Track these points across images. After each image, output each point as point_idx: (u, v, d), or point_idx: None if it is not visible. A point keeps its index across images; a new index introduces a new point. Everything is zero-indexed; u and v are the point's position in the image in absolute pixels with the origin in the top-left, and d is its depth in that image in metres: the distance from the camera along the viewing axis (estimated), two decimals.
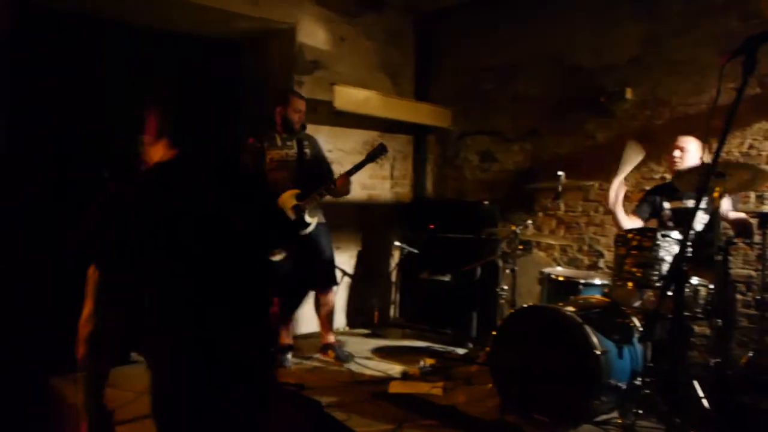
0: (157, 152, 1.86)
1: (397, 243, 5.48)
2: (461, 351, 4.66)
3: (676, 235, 3.14)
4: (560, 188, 3.96)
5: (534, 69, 5.33)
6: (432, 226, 5.29)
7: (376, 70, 5.77)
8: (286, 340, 4.32)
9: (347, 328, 5.50)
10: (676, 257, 2.51)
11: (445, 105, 5.95)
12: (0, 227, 3.84)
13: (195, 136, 6.75)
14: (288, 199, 4.06)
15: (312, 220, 4.09)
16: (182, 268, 1.79)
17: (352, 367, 4.18)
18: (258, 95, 5.45)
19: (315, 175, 4.16)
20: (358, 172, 4.11)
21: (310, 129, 4.52)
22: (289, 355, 4.30)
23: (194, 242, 1.78)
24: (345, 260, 5.54)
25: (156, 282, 1.78)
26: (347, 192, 4.19)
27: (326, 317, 4.35)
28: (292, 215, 4.03)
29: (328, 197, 4.15)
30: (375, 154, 4.06)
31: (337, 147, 5.36)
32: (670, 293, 2.34)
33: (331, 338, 4.36)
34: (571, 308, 3.24)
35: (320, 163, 4.31)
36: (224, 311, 1.84)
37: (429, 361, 4.17)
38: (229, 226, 1.85)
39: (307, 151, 4.21)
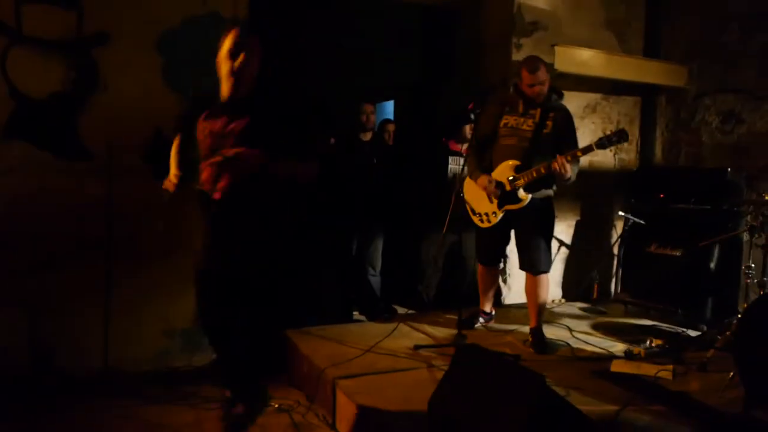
0: None
1: (620, 213, 5.12)
2: (693, 333, 4.25)
3: None
4: None
5: None
6: (662, 196, 4.85)
7: (601, 28, 5.38)
8: (484, 306, 4.36)
9: (563, 301, 5.31)
10: None
11: (680, 62, 5.37)
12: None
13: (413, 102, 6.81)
14: (505, 169, 3.87)
15: (525, 197, 3.83)
16: None
17: (571, 342, 4.02)
18: (475, 60, 5.39)
19: (553, 150, 3.77)
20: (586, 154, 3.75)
21: None
22: (480, 320, 4.33)
23: None
24: (563, 230, 5.33)
25: None
26: (567, 177, 3.70)
27: (529, 300, 4.01)
28: (507, 187, 3.86)
29: None
30: (607, 142, 3.64)
31: None
32: None
33: (534, 323, 3.98)
34: None
35: (563, 139, 3.86)
36: None
37: (656, 342, 3.87)
38: None
39: (549, 123, 3.86)
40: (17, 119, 3.58)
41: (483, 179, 3.91)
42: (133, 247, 3.81)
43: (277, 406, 3.39)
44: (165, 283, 3.88)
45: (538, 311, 3.96)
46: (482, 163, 4.00)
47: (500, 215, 3.93)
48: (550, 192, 3.96)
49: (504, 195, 3.88)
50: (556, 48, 4.83)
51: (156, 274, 3.84)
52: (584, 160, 5.39)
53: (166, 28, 3.84)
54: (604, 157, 5.52)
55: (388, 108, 7.13)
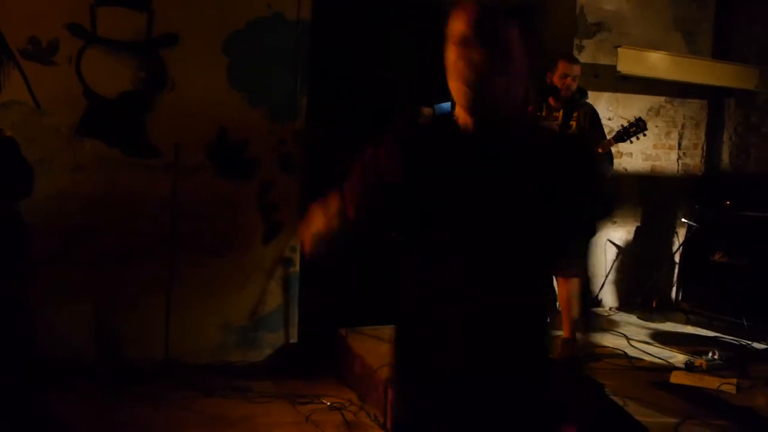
0: None
1: (683, 220, 4.97)
2: (759, 346, 4.09)
3: None
4: None
5: None
6: (728, 203, 4.68)
7: (667, 28, 5.22)
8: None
9: (620, 309, 5.18)
10: None
11: (751, 63, 5.17)
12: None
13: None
14: None
15: None
16: None
17: (629, 351, 3.93)
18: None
19: None
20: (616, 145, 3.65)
21: (590, 96, 4.26)
22: None
23: None
24: (621, 236, 5.20)
25: None
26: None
27: (563, 306, 3.79)
28: None
29: None
30: (624, 134, 3.53)
31: (618, 114, 5.00)
32: None
33: (567, 332, 3.75)
34: None
35: (589, 136, 3.74)
36: None
37: (718, 354, 3.75)
38: None
39: (573, 123, 3.77)
40: (90, 118, 3.74)
41: None
42: (195, 243, 3.91)
43: (329, 404, 3.44)
44: (222, 279, 3.98)
45: (570, 318, 3.74)
46: None
47: None
48: None
49: None
50: (620, 50, 4.72)
51: (215, 270, 3.94)
52: (646, 165, 5.27)
53: (232, 30, 3.94)
54: (668, 162, 5.36)
55: (444, 109, 7.12)
